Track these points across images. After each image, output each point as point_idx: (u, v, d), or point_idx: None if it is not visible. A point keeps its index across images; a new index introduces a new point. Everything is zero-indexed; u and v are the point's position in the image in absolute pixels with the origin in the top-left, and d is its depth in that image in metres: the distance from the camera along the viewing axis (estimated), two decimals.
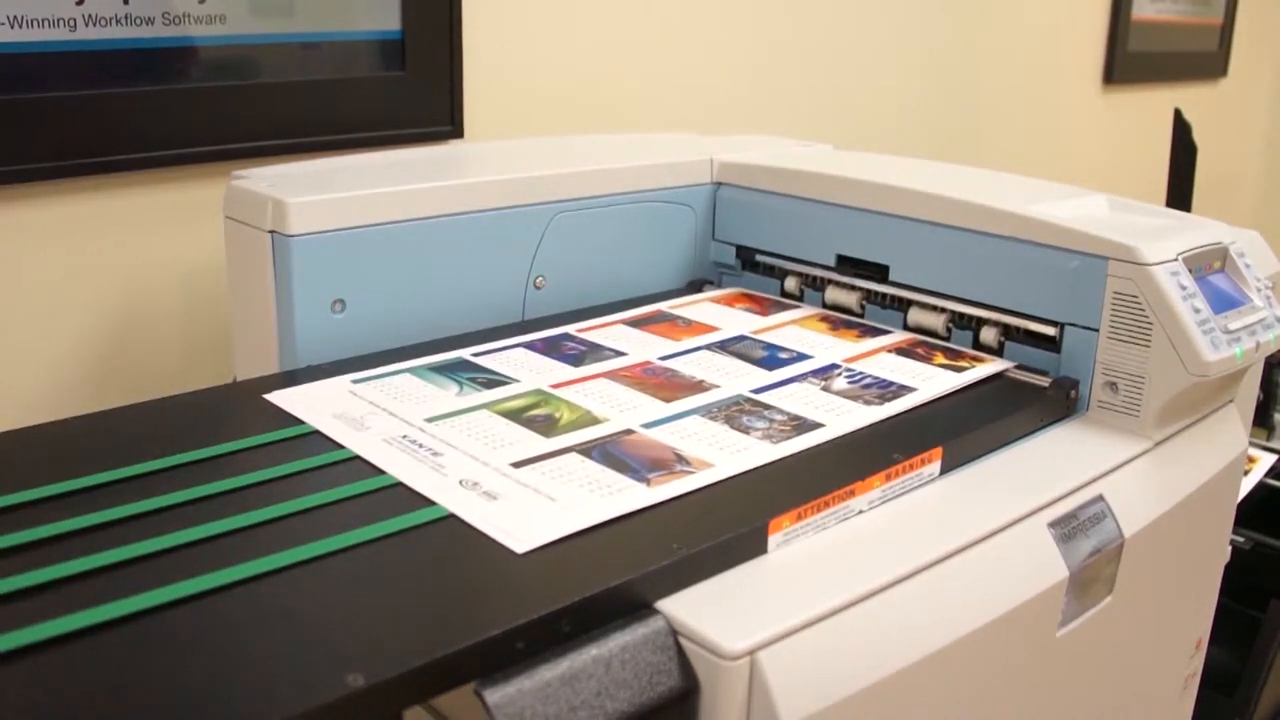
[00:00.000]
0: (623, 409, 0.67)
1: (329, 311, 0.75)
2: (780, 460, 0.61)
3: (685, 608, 0.50)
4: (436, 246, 0.80)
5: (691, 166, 0.95)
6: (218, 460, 0.60)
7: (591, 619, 0.48)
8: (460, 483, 0.57)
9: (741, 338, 0.81)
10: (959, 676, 0.56)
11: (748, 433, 0.64)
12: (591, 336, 0.81)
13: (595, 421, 0.65)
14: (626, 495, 0.56)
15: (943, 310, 0.83)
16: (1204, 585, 0.83)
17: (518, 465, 0.60)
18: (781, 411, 0.68)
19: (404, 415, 0.66)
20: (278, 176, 0.79)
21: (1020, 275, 0.78)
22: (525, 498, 0.56)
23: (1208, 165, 1.85)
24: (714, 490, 0.58)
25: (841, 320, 0.86)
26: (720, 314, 0.87)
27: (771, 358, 0.77)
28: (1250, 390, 0.84)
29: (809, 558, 0.55)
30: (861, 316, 0.88)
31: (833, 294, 0.90)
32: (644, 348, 0.78)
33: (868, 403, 0.69)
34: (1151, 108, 2.24)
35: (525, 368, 0.74)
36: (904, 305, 0.86)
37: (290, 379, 0.71)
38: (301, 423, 0.65)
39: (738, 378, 0.73)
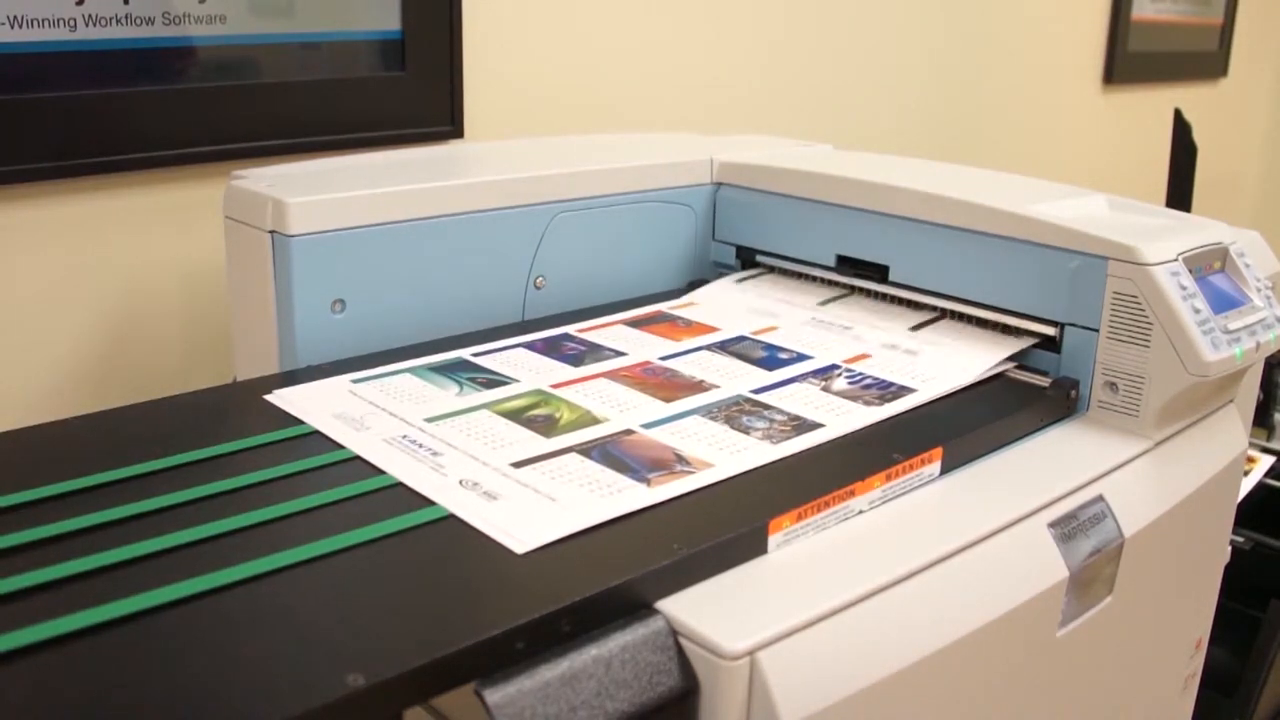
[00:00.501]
0: (623, 409, 0.67)
1: (329, 311, 0.75)
2: (780, 460, 0.61)
3: (685, 608, 0.50)
4: (436, 246, 0.80)
5: (691, 166, 0.95)
6: (218, 460, 0.60)
7: (591, 619, 0.48)
8: (460, 483, 0.57)
9: (741, 338, 0.81)
10: (959, 677, 0.57)
11: (748, 433, 0.64)
12: (591, 336, 0.81)
13: (595, 421, 0.65)
14: (626, 495, 0.56)
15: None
16: (1204, 585, 0.83)
17: (518, 465, 0.60)
18: (781, 412, 0.68)
19: (404, 415, 0.66)
20: (278, 176, 0.79)
21: (1020, 275, 0.78)
22: (525, 498, 0.56)
23: (1208, 165, 1.85)
24: (714, 490, 0.58)
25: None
26: (720, 314, 0.87)
27: (771, 358, 0.77)
28: (1250, 390, 0.84)
29: (809, 558, 0.55)
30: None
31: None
32: (644, 348, 0.78)
33: (868, 403, 0.69)
34: (1151, 108, 2.24)
35: (525, 368, 0.74)
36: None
37: (290, 379, 0.71)
38: (301, 423, 0.65)
39: (738, 378, 0.73)
